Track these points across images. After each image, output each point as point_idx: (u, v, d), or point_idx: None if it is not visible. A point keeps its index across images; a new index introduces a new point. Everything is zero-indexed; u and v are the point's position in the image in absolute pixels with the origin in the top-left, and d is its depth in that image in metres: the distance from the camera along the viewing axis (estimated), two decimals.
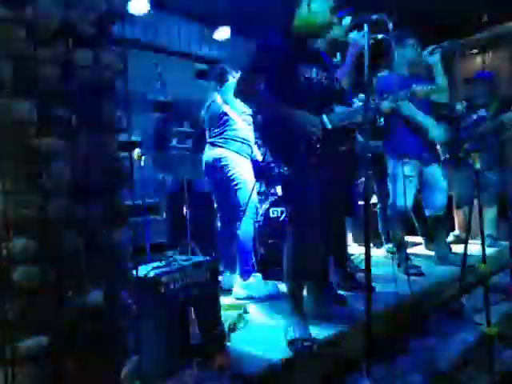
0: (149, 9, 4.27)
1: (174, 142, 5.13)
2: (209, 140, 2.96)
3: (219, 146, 2.83)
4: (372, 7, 1.92)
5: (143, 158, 3.03)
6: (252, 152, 2.89)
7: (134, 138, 3.23)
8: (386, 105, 2.02)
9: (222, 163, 2.78)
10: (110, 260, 1.28)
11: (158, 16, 4.82)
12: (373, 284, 2.19)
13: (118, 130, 1.25)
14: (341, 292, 2.53)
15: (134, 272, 1.40)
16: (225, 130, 2.86)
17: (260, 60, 1.96)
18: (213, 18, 4.71)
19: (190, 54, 5.26)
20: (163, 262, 1.79)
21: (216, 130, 2.91)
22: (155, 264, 1.77)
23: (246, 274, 2.74)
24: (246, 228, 2.74)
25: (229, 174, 2.76)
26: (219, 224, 3.09)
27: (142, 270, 1.68)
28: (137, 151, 2.98)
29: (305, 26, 2.01)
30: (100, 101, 1.20)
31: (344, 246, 2.86)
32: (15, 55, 1.08)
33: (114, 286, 1.29)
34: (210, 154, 2.89)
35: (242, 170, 2.76)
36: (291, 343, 1.85)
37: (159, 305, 1.65)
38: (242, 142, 2.83)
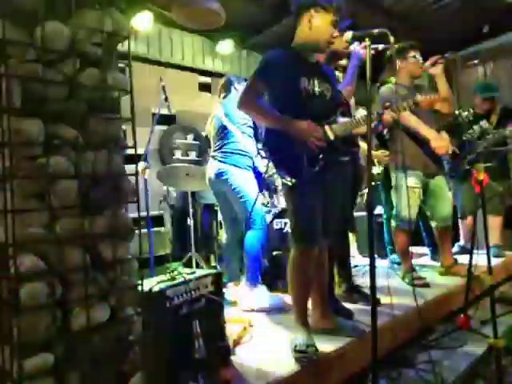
0: (153, 24, 4.34)
1: (178, 154, 5.17)
2: (211, 154, 2.99)
3: (219, 161, 2.87)
4: (373, 21, 1.94)
5: (147, 170, 3.05)
6: (253, 163, 2.91)
7: (138, 152, 3.26)
8: (388, 115, 2.02)
9: (224, 177, 2.82)
10: (115, 275, 1.29)
11: (162, 30, 4.89)
12: (378, 296, 2.18)
13: (123, 147, 1.27)
14: (346, 304, 2.52)
15: (140, 286, 1.41)
16: (224, 144, 2.89)
17: (262, 73, 1.99)
18: (216, 32, 4.77)
19: (193, 67, 5.33)
20: (168, 276, 1.79)
21: (217, 144, 2.95)
22: (160, 277, 1.78)
23: (253, 283, 2.75)
24: (254, 237, 2.76)
25: (233, 187, 2.79)
26: (224, 236, 3.10)
27: (147, 284, 1.68)
28: (141, 164, 3.01)
29: (305, 41, 2.03)
30: (106, 119, 1.23)
31: (348, 257, 2.85)
32: (24, 76, 1.11)
33: (120, 300, 1.30)
34: (211, 167, 2.93)
35: (243, 182, 2.78)
36: (296, 350, 1.85)
37: (164, 319, 1.65)
38: (241, 155, 2.85)
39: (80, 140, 1.19)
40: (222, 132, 2.92)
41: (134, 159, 1.32)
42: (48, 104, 1.11)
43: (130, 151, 1.36)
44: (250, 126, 2.91)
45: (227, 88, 3.03)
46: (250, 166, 2.88)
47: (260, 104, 1.98)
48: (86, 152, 1.19)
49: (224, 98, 3.02)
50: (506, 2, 4.42)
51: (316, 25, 1.98)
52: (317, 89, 2.02)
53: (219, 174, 2.84)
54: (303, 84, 1.98)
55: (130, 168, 1.38)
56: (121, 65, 1.36)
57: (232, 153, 2.85)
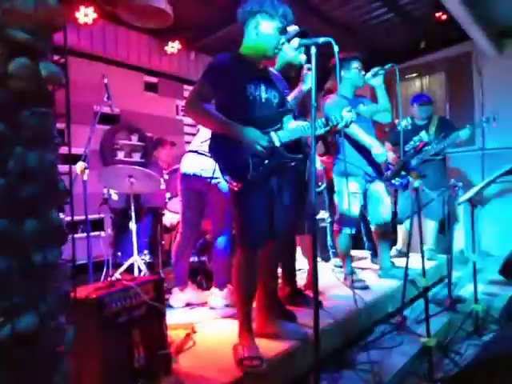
0: (97, 19, 4.17)
1: (121, 155, 4.98)
2: (195, 148, 2.82)
3: (206, 155, 2.64)
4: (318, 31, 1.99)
5: (87, 171, 2.89)
6: None
7: (77, 151, 3.08)
8: (347, 119, 2.06)
9: (214, 180, 2.62)
10: (45, 281, 1.20)
11: (106, 26, 4.71)
12: (320, 299, 2.22)
13: (56, 144, 1.19)
14: (289, 307, 2.54)
15: (72, 293, 1.33)
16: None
17: (209, 77, 1.95)
18: (164, 31, 4.67)
19: (139, 66, 5.18)
20: (107, 282, 1.70)
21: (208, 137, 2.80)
22: (98, 284, 1.69)
23: (224, 283, 2.80)
24: (227, 240, 2.79)
25: (224, 191, 2.65)
26: (178, 238, 2.97)
27: (84, 291, 1.59)
28: (80, 165, 2.85)
29: (253, 47, 2.02)
30: (37, 113, 1.14)
31: (293, 261, 2.88)
32: None
33: (50, 308, 1.21)
34: (197, 162, 2.75)
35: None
36: (240, 362, 1.83)
37: (101, 327, 1.57)
38: None
39: (8, 134, 1.09)
40: None
41: (69, 158, 1.22)
42: None
43: (67, 152, 1.27)
44: None
45: None
46: None
47: (206, 108, 1.93)
48: (15, 147, 1.09)
49: None
50: (440, 19, 4.75)
51: (262, 31, 1.97)
52: (264, 95, 2.02)
53: (204, 170, 2.68)
54: (250, 90, 1.96)
55: (65, 168, 1.29)
56: (62, 60, 1.27)
57: None
